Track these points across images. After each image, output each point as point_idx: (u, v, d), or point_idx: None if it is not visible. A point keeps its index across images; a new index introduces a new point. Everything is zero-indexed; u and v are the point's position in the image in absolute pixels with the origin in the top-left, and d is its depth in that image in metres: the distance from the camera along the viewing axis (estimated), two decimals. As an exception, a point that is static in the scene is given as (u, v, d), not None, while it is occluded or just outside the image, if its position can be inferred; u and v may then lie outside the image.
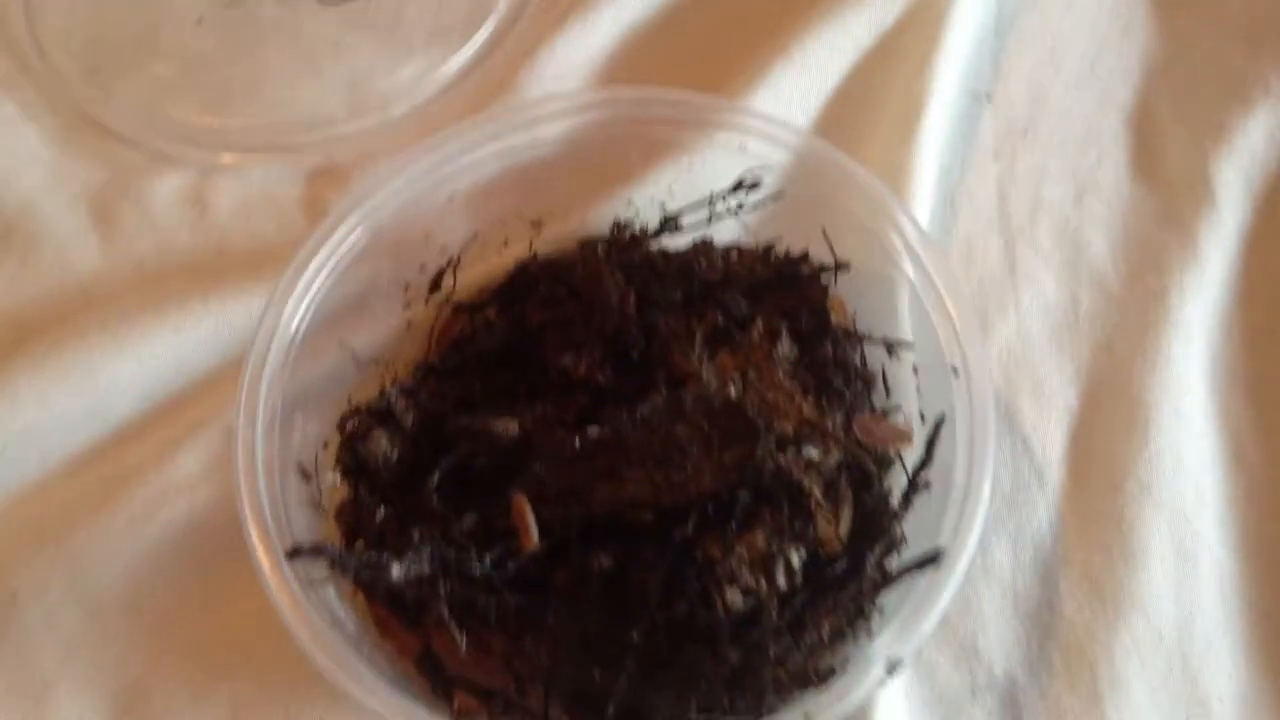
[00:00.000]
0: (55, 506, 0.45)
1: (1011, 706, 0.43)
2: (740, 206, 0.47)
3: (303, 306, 0.42)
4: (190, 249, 0.51)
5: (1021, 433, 0.48)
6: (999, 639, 0.44)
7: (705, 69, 0.53)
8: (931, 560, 0.38)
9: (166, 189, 0.52)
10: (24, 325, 0.48)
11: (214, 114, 0.53)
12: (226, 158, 0.53)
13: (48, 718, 0.43)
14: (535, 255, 0.49)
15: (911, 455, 0.43)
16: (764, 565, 0.40)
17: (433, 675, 0.42)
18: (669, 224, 0.47)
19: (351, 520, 0.43)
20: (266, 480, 0.39)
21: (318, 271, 0.43)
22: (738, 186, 0.46)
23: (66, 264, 0.50)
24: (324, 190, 0.53)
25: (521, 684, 0.41)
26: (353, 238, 0.44)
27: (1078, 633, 0.44)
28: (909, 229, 0.43)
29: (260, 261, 0.50)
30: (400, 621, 0.42)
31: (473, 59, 0.54)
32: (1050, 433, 0.48)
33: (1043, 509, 0.46)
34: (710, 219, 0.47)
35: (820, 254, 0.46)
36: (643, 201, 0.48)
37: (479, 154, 0.45)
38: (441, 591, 0.40)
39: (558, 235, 0.49)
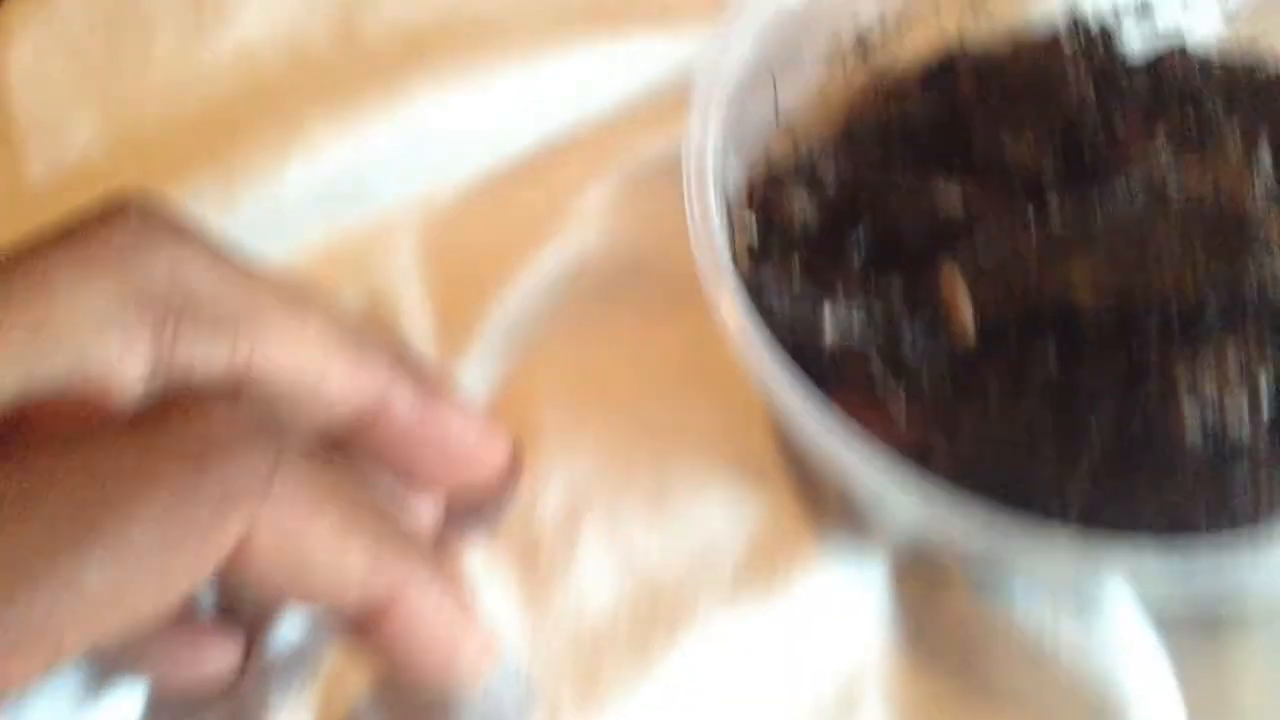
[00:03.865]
0: (443, 230, 0.44)
1: None
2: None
3: (744, 47, 0.39)
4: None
5: None
6: None
7: None
8: None
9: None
10: (420, 42, 0.46)
11: None
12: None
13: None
14: (963, 47, 0.44)
15: None
16: (1240, 381, 0.35)
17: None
18: (1142, 12, 0.42)
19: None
20: (717, 206, 0.36)
21: (758, 15, 0.40)
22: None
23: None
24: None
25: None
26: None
27: None
28: None
29: (662, 16, 0.47)
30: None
31: None
32: None
33: None
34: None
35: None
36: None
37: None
38: (872, 353, 0.36)
39: (994, 21, 0.44)
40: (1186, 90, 0.41)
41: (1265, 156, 0.39)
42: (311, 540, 0.27)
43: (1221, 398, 0.35)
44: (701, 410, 0.40)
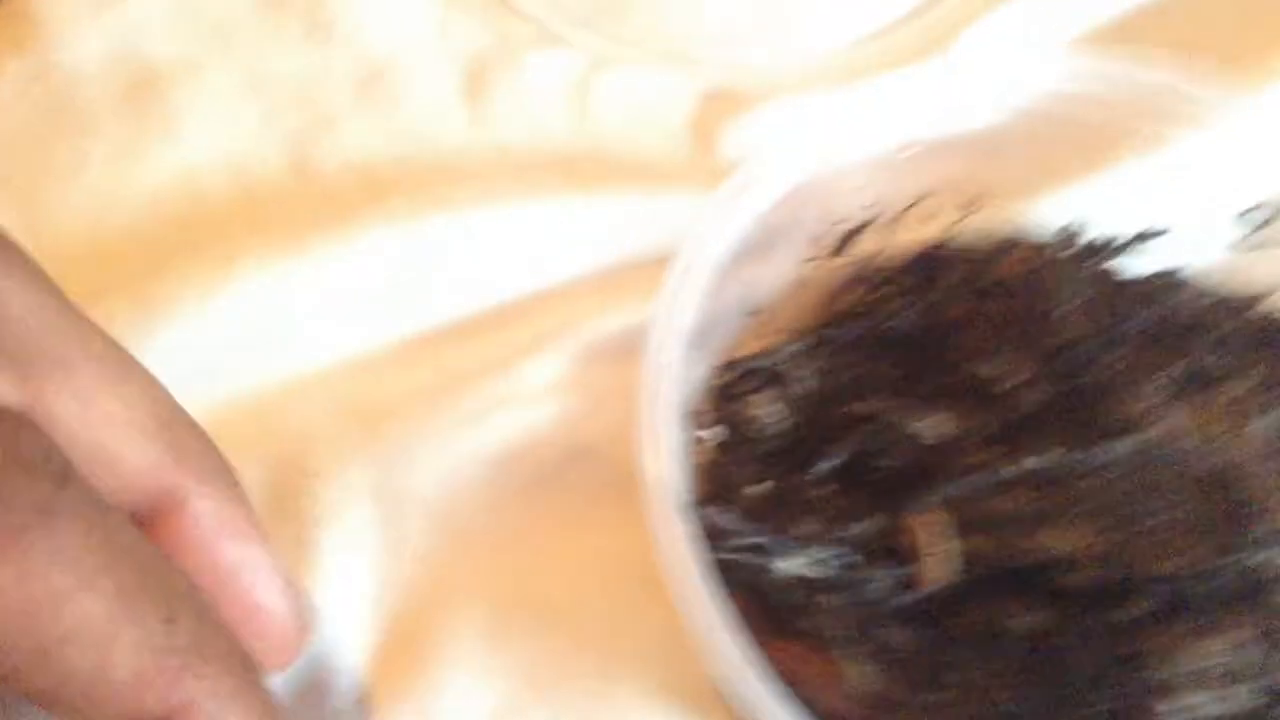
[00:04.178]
0: (375, 388, 0.40)
1: None
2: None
3: (725, 234, 0.36)
4: (564, 144, 0.45)
5: None
6: None
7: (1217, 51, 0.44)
8: None
9: (550, 72, 0.46)
10: (376, 180, 0.43)
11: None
12: (620, 51, 0.47)
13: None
14: (944, 242, 0.42)
15: None
16: (1217, 681, 0.32)
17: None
18: (1141, 238, 0.40)
19: (716, 486, 0.36)
20: (675, 415, 0.32)
21: (743, 199, 0.37)
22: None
23: (428, 127, 0.45)
24: (717, 117, 0.46)
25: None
26: (787, 175, 0.37)
27: None
28: None
29: (637, 177, 0.44)
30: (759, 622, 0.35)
31: (916, 8, 0.47)
32: None
33: None
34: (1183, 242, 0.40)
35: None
36: (1097, 202, 0.41)
37: (928, 109, 0.39)
38: (828, 603, 0.33)
39: (986, 222, 0.42)
40: (1183, 328, 0.38)
41: (1261, 425, 0.36)
42: (68, 614, 0.21)
43: (1199, 693, 0.32)
44: (644, 627, 0.36)
